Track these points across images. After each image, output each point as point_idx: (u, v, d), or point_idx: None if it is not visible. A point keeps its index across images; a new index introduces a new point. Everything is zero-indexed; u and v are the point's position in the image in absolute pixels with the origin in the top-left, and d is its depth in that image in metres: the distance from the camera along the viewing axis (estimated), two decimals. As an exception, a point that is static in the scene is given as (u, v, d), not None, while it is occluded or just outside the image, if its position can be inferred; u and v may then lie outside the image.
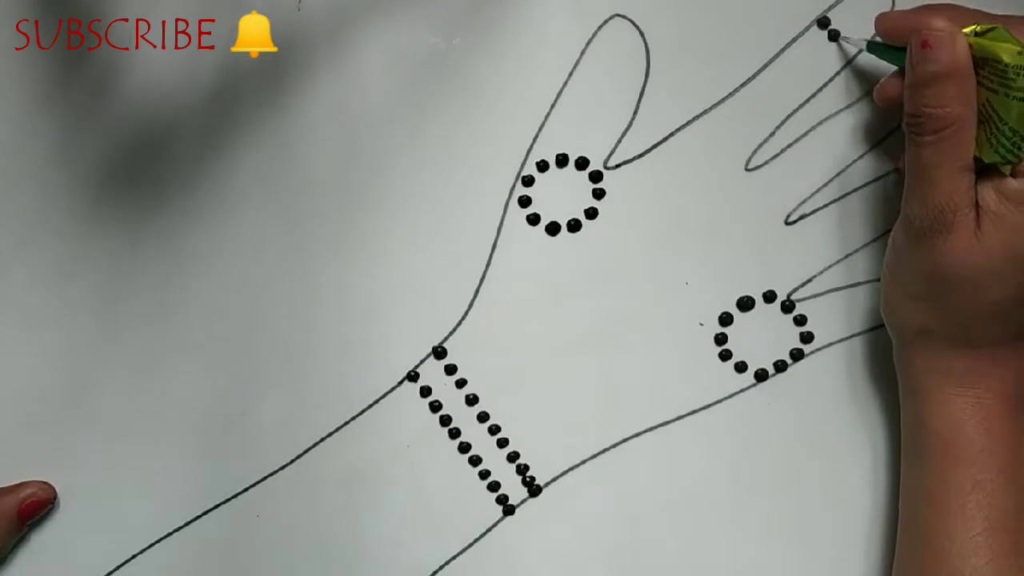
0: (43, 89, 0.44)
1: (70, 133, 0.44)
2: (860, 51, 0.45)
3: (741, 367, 0.46)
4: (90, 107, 0.44)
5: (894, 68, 0.42)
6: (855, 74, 0.46)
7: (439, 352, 0.45)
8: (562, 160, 0.46)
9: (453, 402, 0.45)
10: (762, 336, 0.46)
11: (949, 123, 0.37)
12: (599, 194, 0.46)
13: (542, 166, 0.46)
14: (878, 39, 0.43)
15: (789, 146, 0.46)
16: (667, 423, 0.45)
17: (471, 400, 0.45)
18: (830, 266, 0.46)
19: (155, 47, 0.44)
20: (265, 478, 0.45)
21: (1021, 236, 0.36)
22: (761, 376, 0.46)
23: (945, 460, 0.39)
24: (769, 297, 0.46)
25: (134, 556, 0.44)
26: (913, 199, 0.38)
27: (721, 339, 0.46)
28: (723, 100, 0.46)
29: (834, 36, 0.46)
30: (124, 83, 0.44)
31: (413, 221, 0.45)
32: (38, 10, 0.44)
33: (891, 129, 0.46)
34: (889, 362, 0.43)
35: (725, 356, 0.46)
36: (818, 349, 0.46)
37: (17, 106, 0.44)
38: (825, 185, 0.46)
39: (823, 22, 0.46)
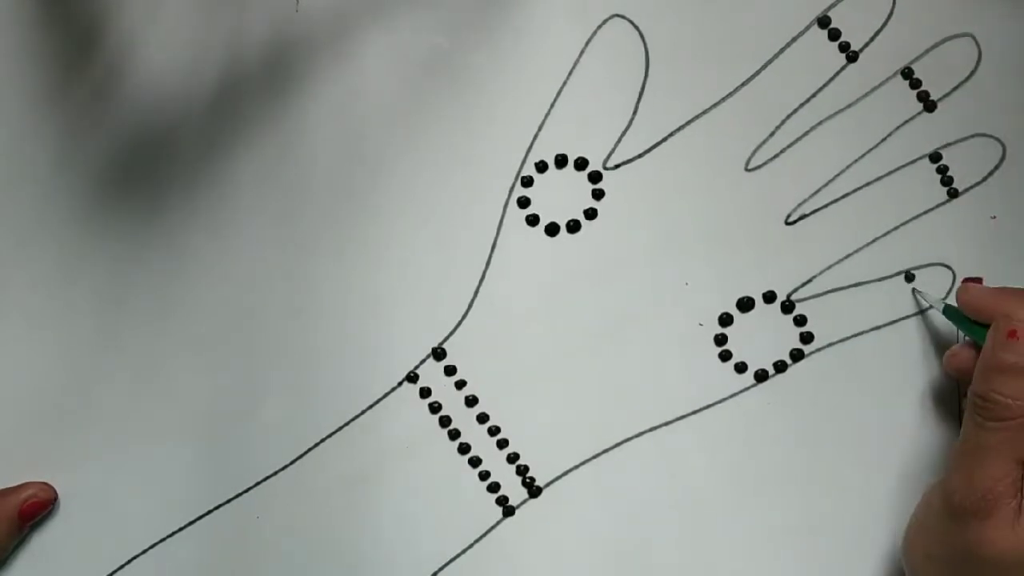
0: (43, 91, 0.44)
1: (71, 135, 0.44)
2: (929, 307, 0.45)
3: (741, 367, 0.46)
4: (91, 109, 0.44)
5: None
6: (855, 74, 0.46)
7: (438, 353, 0.45)
8: (561, 160, 0.46)
9: (453, 403, 0.45)
10: (762, 336, 0.46)
11: (1018, 415, 0.36)
12: (598, 195, 0.46)
13: (541, 167, 0.46)
14: (955, 305, 0.42)
15: (789, 146, 0.46)
16: (667, 424, 0.45)
17: (471, 401, 0.45)
18: (830, 266, 0.46)
19: (156, 48, 0.44)
20: (265, 479, 0.45)
21: None
22: (761, 377, 0.46)
23: None
24: (769, 297, 0.46)
25: (134, 557, 0.44)
26: (959, 474, 0.37)
27: (721, 339, 0.46)
28: (723, 100, 0.46)
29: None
30: (125, 85, 0.44)
31: (413, 221, 0.45)
32: (39, 10, 0.44)
33: (890, 131, 0.46)
34: (889, 364, 0.43)
35: (725, 356, 0.46)
36: (818, 350, 0.46)
37: (17, 108, 0.44)
38: (825, 185, 0.46)
39: (823, 21, 0.46)
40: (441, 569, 0.45)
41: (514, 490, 0.45)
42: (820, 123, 0.46)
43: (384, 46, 0.45)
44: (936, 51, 0.46)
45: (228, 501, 0.45)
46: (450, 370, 0.45)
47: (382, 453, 0.45)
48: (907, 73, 0.46)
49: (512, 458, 0.45)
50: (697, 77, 0.45)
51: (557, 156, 0.46)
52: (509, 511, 0.45)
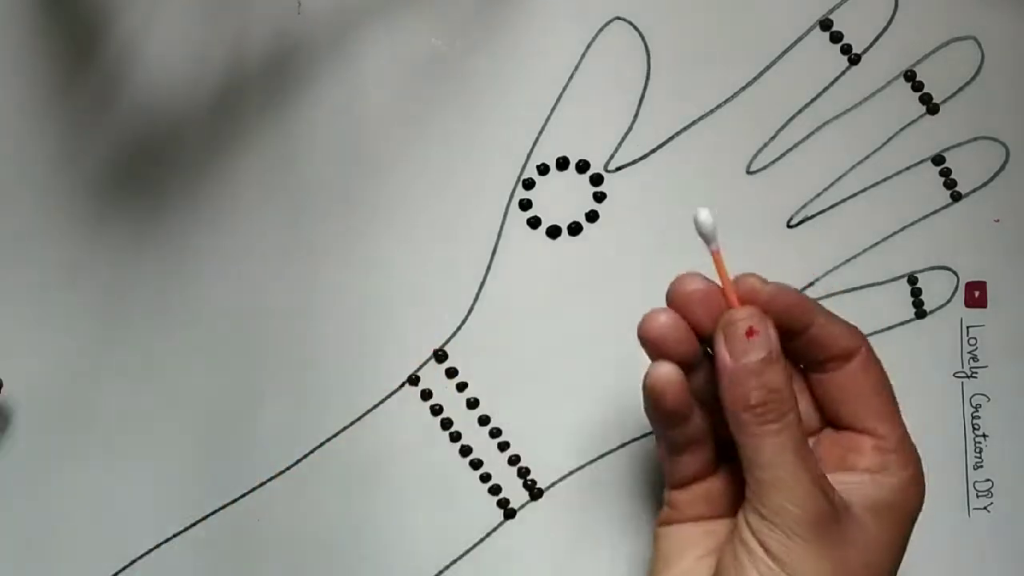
0: (45, 93, 0.44)
1: (72, 137, 0.44)
2: None
3: (743, 371, 0.46)
4: (92, 111, 0.44)
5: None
6: (858, 77, 0.46)
7: (440, 355, 0.45)
8: (563, 163, 0.45)
9: (454, 405, 0.45)
10: (764, 340, 0.46)
11: (791, 405, 0.34)
12: (600, 197, 0.46)
13: (543, 169, 0.45)
14: None
15: (791, 149, 0.46)
16: (668, 427, 0.45)
17: (472, 403, 0.45)
18: (832, 270, 0.46)
19: (158, 50, 0.44)
20: (266, 482, 0.45)
21: None
22: (763, 380, 0.46)
23: None
24: (771, 300, 0.46)
25: (135, 560, 0.44)
26: (791, 492, 0.33)
27: (723, 342, 0.46)
28: (725, 102, 0.46)
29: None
30: (126, 86, 0.44)
31: (414, 223, 0.45)
32: (41, 12, 0.44)
33: (892, 133, 0.46)
34: (891, 367, 0.43)
35: (727, 360, 0.46)
36: (820, 353, 0.46)
37: (19, 110, 0.44)
38: (827, 188, 0.46)
39: (825, 23, 0.46)
40: (442, 572, 0.45)
41: (515, 492, 0.45)
42: (822, 126, 0.46)
43: (386, 48, 0.45)
44: (939, 53, 0.46)
45: (229, 504, 0.45)
46: (451, 372, 0.45)
47: (383, 455, 0.45)
48: (910, 76, 0.46)
49: (513, 460, 0.45)
50: (699, 80, 0.45)
51: (559, 158, 0.46)
52: (510, 514, 0.45)
